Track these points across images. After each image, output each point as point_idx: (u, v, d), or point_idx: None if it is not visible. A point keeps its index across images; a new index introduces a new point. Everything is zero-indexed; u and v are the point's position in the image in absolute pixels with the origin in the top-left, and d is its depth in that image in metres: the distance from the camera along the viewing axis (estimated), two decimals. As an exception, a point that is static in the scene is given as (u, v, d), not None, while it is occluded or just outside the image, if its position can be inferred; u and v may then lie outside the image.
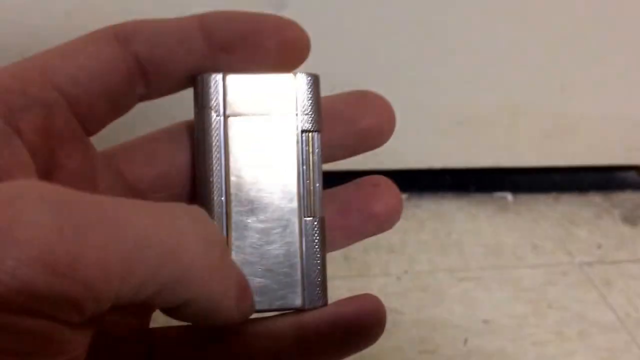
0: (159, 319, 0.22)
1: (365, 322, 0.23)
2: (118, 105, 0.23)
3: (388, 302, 0.42)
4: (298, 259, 0.23)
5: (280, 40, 0.23)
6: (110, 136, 0.24)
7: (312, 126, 0.24)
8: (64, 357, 0.16)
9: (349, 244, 0.25)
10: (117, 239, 0.16)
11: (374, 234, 0.25)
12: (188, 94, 0.24)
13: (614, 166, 0.57)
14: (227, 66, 0.23)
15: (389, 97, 0.25)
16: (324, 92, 0.24)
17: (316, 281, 0.24)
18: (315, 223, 0.24)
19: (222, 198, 0.23)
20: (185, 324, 0.21)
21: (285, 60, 0.23)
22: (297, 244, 0.23)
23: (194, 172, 0.24)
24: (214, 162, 0.23)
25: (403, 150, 0.51)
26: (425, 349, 0.40)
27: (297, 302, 0.23)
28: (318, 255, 0.24)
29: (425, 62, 0.47)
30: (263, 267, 0.23)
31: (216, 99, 0.23)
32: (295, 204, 0.23)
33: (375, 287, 0.45)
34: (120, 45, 0.22)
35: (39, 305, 0.15)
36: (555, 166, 0.55)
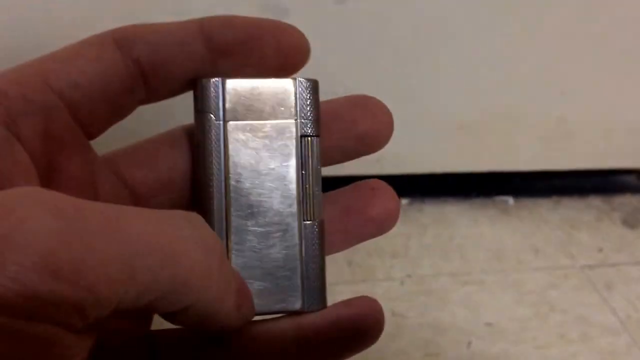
0: (158, 319, 0.22)
1: (363, 323, 0.23)
2: (118, 109, 0.23)
3: (392, 307, 0.42)
4: (298, 263, 0.23)
5: (279, 45, 0.23)
6: (111, 140, 0.24)
7: (311, 131, 0.24)
8: (67, 361, 0.16)
9: (347, 247, 0.25)
10: (119, 245, 0.16)
11: (373, 236, 0.25)
12: (188, 97, 0.24)
13: (614, 170, 0.57)
14: (226, 70, 0.23)
15: (390, 103, 0.25)
16: (323, 97, 0.24)
17: (316, 284, 0.24)
18: (315, 226, 0.24)
19: (222, 202, 0.23)
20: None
21: (284, 65, 0.23)
22: (297, 248, 0.23)
23: (194, 176, 0.24)
24: (214, 166, 0.23)
25: (404, 156, 0.51)
26: (429, 352, 0.40)
27: (297, 305, 0.23)
28: (317, 259, 0.24)
29: (426, 67, 0.47)
30: (263, 271, 0.23)
31: (216, 103, 0.23)
32: (294, 208, 0.23)
33: (379, 291, 0.45)
34: (120, 50, 0.22)
35: (42, 309, 0.15)
36: (555, 170, 0.55)
